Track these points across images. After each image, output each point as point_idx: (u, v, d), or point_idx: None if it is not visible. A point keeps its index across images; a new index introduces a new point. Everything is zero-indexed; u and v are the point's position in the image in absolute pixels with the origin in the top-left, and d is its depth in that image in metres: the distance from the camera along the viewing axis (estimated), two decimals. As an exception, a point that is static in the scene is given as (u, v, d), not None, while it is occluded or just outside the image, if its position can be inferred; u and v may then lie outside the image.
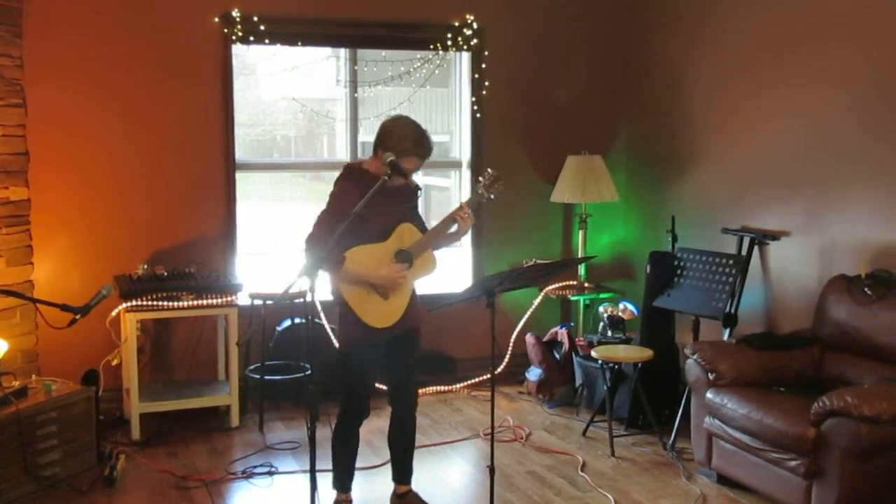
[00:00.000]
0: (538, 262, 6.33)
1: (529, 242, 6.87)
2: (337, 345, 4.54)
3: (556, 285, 6.67)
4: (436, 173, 7.23)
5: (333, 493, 4.35)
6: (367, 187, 3.86)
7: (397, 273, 4.04)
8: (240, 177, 6.19)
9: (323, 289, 3.84)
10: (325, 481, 4.24)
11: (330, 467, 4.62)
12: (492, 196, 4.29)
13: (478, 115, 6.68)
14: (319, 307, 6.00)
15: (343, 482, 4.34)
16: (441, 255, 4.31)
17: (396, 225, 4.12)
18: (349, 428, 4.25)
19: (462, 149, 6.84)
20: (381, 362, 4.24)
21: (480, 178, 4.30)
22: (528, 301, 6.67)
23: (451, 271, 6.60)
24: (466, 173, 6.81)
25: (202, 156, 6.05)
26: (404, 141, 4.01)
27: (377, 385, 4.49)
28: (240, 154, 6.21)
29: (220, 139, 6.06)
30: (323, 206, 4.12)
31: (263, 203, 6.71)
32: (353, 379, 4.20)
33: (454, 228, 4.22)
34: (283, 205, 6.90)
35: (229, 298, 5.59)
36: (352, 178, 4.11)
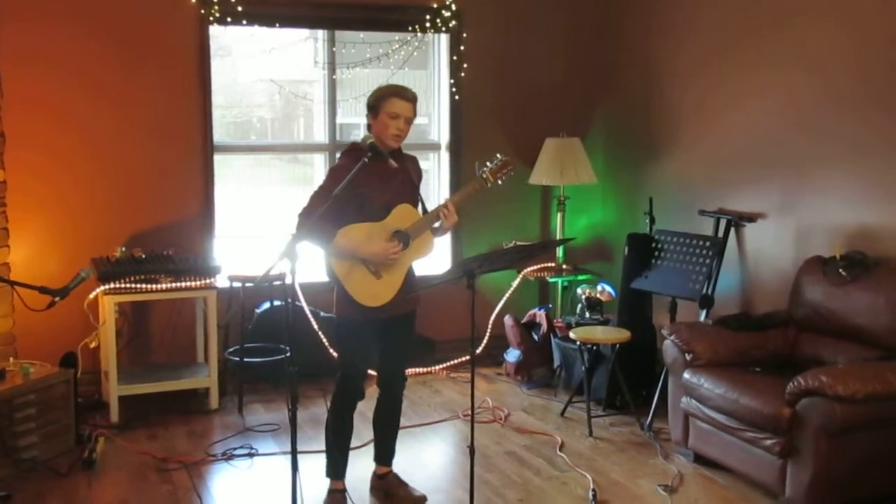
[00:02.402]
0: (518, 244, 6.34)
1: (508, 225, 6.88)
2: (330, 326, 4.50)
3: (535, 267, 6.68)
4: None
5: (327, 481, 4.31)
6: (370, 164, 3.89)
7: (389, 250, 4.01)
8: (217, 159, 6.16)
9: (303, 271, 3.84)
10: (306, 463, 4.24)
11: (309, 449, 4.64)
12: (499, 182, 4.25)
13: (456, 97, 6.68)
14: (299, 289, 5.99)
15: (336, 470, 4.29)
16: (443, 236, 4.31)
17: (395, 205, 4.09)
18: (342, 412, 4.22)
19: (441, 131, 6.84)
20: (374, 344, 4.22)
21: (488, 163, 4.24)
22: (506, 283, 6.69)
23: (431, 253, 6.59)
24: (445, 155, 6.81)
25: (179, 138, 6.01)
26: (382, 92, 4.06)
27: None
28: (216, 136, 6.17)
29: (197, 121, 6.03)
30: (311, 185, 4.10)
31: (240, 185, 6.68)
32: (347, 358, 4.19)
33: (437, 224, 4.20)
34: (260, 187, 6.87)
35: (208, 281, 5.58)
36: (351, 155, 4.10)
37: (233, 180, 6.54)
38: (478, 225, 6.82)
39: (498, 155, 4.27)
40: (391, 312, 4.11)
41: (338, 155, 6.34)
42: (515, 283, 6.70)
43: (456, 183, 6.72)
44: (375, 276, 4.03)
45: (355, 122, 6.77)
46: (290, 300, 3.74)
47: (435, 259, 6.63)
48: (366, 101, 4.12)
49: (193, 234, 6.05)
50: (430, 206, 4.28)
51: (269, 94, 6.65)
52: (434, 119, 6.90)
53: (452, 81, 6.66)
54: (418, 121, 7.02)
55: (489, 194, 6.56)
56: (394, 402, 4.41)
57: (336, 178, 3.96)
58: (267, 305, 6.09)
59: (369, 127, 4.13)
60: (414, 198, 4.20)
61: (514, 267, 6.40)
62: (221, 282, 5.70)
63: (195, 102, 6.01)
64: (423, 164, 7.06)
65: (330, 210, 3.81)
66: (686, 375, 4.74)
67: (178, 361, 5.99)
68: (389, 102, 4.03)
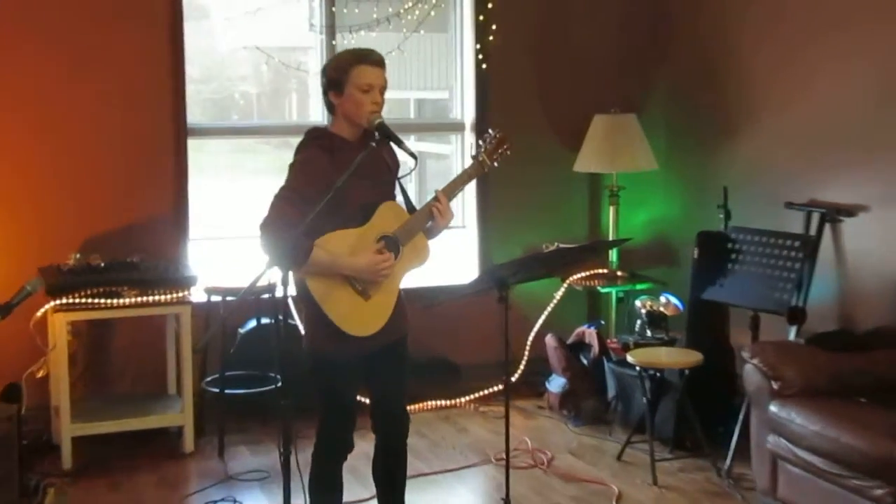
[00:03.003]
0: (561, 246, 6.32)
1: (548, 222, 6.89)
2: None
3: (582, 274, 6.67)
4: (433, 138, 7.19)
5: None
6: (340, 154, 3.80)
7: (380, 262, 3.88)
8: (191, 144, 6.17)
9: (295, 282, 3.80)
10: (302, 519, 4.22)
11: (305, 502, 4.60)
12: (495, 164, 4.21)
13: (483, 66, 6.68)
14: (292, 304, 5.97)
15: None
16: (437, 237, 4.17)
17: (377, 205, 3.98)
18: (329, 468, 4.10)
19: (464, 108, 6.85)
20: (362, 380, 4.10)
21: (480, 143, 4.22)
22: (548, 294, 6.67)
23: (452, 258, 6.58)
24: (470, 137, 6.78)
25: (146, 119, 6.04)
26: (342, 61, 3.96)
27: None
28: (191, 117, 6.19)
29: (167, 98, 6.05)
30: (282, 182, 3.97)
31: (220, 177, 6.71)
32: (329, 404, 4.03)
33: (429, 223, 4.09)
34: (244, 178, 6.90)
35: (181, 294, 5.59)
36: (318, 143, 3.98)
37: (211, 170, 6.60)
38: (511, 223, 6.81)
39: (490, 130, 4.26)
40: (382, 341, 3.97)
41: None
42: (559, 295, 6.69)
43: (484, 171, 6.70)
44: (363, 297, 3.90)
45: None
46: (280, 317, 3.70)
47: (459, 264, 6.66)
48: (323, 74, 4.00)
49: (163, 237, 6.07)
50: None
51: (254, 65, 6.71)
52: (456, 93, 6.90)
53: (479, 47, 6.65)
54: (437, 96, 7.07)
55: (525, 185, 6.64)
56: (396, 450, 4.26)
57: (307, 174, 3.86)
58: (253, 324, 6.08)
59: (331, 107, 4.00)
60: (394, 192, 4.13)
61: (556, 274, 6.40)
62: (197, 295, 5.71)
63: (164, 75, 6.03)
64: (442, 148, 7.12)
65: (299, 215, 3.67)
66: (773, 408, 4.70)
67: (144, 393, 5.99)
68: (357, 72, 3.91)
